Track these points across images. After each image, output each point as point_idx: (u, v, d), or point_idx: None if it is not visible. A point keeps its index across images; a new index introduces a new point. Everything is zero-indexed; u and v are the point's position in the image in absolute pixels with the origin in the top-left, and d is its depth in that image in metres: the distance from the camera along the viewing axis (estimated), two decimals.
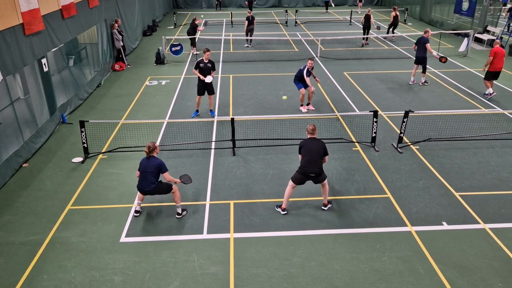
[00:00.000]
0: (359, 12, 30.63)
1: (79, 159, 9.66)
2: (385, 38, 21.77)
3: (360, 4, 32.04)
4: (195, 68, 11.48)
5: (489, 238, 6.97)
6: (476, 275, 6.19)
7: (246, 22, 20.32)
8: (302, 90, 12.06)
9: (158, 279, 6.17)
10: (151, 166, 7.14)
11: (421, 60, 14.00)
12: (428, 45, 13.73)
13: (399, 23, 23.06)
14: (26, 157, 9.59)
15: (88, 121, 9.89)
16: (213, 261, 6.51)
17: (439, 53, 14.51)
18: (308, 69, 11.86)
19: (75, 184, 8.68)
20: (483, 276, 6.17)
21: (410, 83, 14.59)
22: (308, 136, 7.45)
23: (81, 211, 7.80)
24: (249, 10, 22.90)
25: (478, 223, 7.36)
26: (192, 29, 18.65)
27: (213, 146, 10.23)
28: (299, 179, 7.40)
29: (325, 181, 7.52)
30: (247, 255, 6.65)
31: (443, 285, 6.02)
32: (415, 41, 14.47)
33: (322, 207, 7.74)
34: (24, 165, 9.41)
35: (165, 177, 7.27)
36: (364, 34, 20.69)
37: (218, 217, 7.56)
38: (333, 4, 33.26)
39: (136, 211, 7.62)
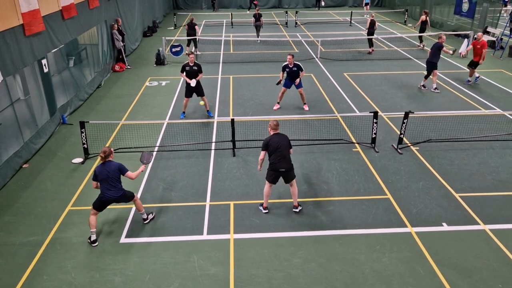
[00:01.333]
0: (366, 16, 29.68)
1: (79, 159, 9.67)
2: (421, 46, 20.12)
3: (367, 7, 30.75)
4: (182, 71, 11.61)
5: (489, 239, 6.97)
6: (476, 276, 6.19)
7: (253, 19, 21.63)
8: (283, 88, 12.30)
9: (158, 280, 6.17)
10: (113, 171, 6.75)
11: (427, 64, 13.84)
12: (444, 49, 13.49)
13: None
14: (26, 157, 9.60)
15: (88, 121, 9.90)
16: (213, 262, 6.51)
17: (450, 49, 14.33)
18: (287, 65, 11.81)
19: (75, 184, 8.68)
20: (483, 277, 6.17)
21: (432, 90, 14.02)
22: (272, 133, 7.45)
23: (81, 211, 7.80)
24: (257, 8, 23.72)
25: (478, 224, 7.36)
26: (192, 30, 18.66)
27: (213, 147, 10.23)
28: (272, 176, 7.39)
29: (294, 181, 7.52)
30: (247, 256, 6.65)
31: (443, 286, 6.02)
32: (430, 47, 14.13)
33: (293, 209, 7.70)
34: (24, 165, 9.41)
35: (130, 176, 6.92)
36: (369, 41, 19.26)
37: (218, 218, 7.56)
38: (323, 3, 33.31)
39: (93, 241, 6.88)
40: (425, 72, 14.10)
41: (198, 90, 11.67)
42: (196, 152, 9.98)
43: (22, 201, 8.13)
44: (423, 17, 19.69)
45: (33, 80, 10.48)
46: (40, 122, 10.52)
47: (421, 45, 20.07)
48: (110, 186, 6.78)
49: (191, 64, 11.44)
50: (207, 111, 12.15)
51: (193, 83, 11.44)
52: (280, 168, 7.25)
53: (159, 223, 7.46)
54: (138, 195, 8.30)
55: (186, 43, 19.23)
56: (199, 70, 11.55)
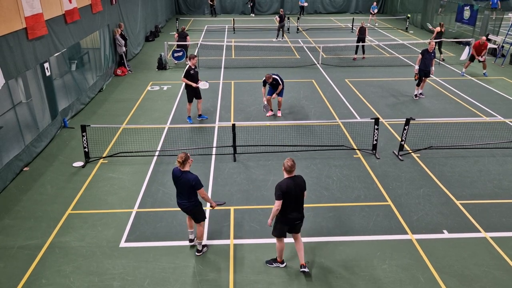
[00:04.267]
0: (376, 24, 29.45)
1: (80, 163, 9.67)
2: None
3: (372, 16, 29.53)
4: (186, 77, 11.37)
5: (490, 247, 6.94)
6: (476, 284, 6.16)
7: (278, 19, 23.10)
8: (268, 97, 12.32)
9: (157, 285, 6.15)
10: (184, 183, 6.20)
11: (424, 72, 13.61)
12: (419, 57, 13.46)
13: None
14: (27, 161, 9.60)
15: (89, 125, 9.91)
16: (212, 268, 6.49)
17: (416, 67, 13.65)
18: (265, 80, 11.97)
19: (75, 188, 8.68)
20: (484, 285, 6.14)
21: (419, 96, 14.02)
22: (286, 176, 5.92)
23: (81, 215, 7.79)
24: (281, 9, 24.62)
25: (479, 231, 7.33)
26: (182, 39, 18.46)
27: (214, 152, 10.23)
28: (281, 230, 6.15)
29: (299, 234, 6.33)
30: (247, 261, 6.63)
31: None
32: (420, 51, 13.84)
33: (301, 269, 6.27)
34: (25, 169, 9.41)
35: (200, 193, 6.27)
36: (357, 48, 19.13)
37: (218, 223, 7.54)
38: (306, 4, 33.48)
39: (190, 240, 6.96)
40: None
41: (198, 94, 11.69)
42: (196, 157, 9.98)
43: (22, 204, 8.12)
44: (437, 29, 18.50)
45: (35, 83, 10.50)
46: (42, 125, 10.53)
47: (441, 58, 18.79)
48: (180, 194, 6.36)
49: (193, 67, 11.40)
50: (199, 115, 12.17)
51: (204, 85, 11.53)
52: (295, 221, 6.04)
53: (158, 227, 7.44)
54: (138, 199, 8.29)
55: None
56: (197, 72, 11.63)
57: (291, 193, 5.82)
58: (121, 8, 17.81)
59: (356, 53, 19.33)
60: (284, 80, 12.21)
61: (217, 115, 12.60)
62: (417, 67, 13.54)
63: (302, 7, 33.68)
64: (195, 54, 11.59)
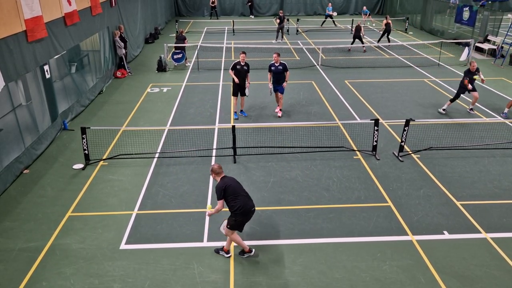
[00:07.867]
0: (374, 24, 29.66)
1: (80, 165, 9.67)
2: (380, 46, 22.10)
3: (365, 16, 29.85)
4: (232, 69, 11.88)
5: (491, 248, 6.94)
6: (477, 285, 6.16)
7: (278, 20, 23.45)
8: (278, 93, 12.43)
9: (158, 287, 6.14)
10: None
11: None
12: (465, 81, 12.19)
13: (392, 30, 23.62)
14: (27, 163, 9.60)
15: (89, 127, 9.91)
16: (213, 269, 6.49)
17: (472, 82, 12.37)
18: (273, 63, 12.03)
19: (75, 190, 8.68)
20: (485, 286, 6.14)
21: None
22: (218, 179, 6.47)
23: (81, 217, 7.79)
24: (281, 10, 24.74)
25: (480, 232, 7.33)
26: (180, 41, 18.47)
27: (214, 154, 10.23)
28: (242, 224, 6.53)
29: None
30: (247, 263, 6.62)
31: None
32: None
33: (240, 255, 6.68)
34: (25, 171, 9.42)
35: None
36: (352, 43, 21.31)
37: (219, 225, 7.53)
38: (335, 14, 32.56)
39: None
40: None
41: (243, 90, 12.08)
42: (197, 159, 9.98)
43: (22, 207, 8.12)
44: (384, 21, 22.11)
45: (35, 85, 10.51)
46: (42, 127, 10.53)
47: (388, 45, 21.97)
48: None
49: (242, 63, 11.82)
50: (241, 110, 12.60)
51: (247, 92, 12.14)
52: (252, 208, 6.48)
53: (159, 229, 7.44)
54: (139, 201, 8.29)
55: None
56: (248, 70, 11.98)
57: (232, 186, 6.37)
58: (121, 10, 17.84)
59: (351, 44, 21.32)
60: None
61: (217, 116, 12.61)
62: (470, 86, 12.11)
63: (330, 15, 31.83)
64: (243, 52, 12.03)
